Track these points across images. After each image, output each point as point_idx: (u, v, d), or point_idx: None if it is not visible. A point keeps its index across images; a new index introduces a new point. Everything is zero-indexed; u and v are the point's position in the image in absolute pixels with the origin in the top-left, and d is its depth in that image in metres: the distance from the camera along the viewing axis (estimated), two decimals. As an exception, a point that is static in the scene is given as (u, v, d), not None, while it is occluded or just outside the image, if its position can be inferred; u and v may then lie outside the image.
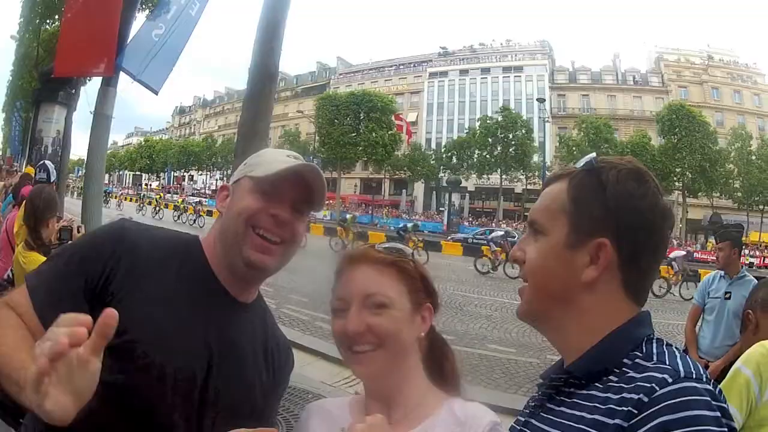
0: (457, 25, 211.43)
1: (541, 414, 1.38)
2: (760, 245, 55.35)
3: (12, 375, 1.34)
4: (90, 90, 14.59)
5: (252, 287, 1.89)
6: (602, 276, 1.32)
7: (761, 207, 63.43)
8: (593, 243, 1.32)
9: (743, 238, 7.76)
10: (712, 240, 52.06)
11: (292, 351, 2.07)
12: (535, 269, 1.39)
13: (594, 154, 1.43)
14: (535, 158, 70.62)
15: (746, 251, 42.20)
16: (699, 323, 6.73)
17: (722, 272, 6.59)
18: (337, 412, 1.72)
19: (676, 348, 1.27)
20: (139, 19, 10.56)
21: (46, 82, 15.48)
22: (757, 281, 6.27)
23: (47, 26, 21.01)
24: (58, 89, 15.53)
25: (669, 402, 1.07)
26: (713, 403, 1.07)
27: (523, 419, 1.44)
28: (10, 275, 5.56)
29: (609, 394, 1.20)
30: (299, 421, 1.78)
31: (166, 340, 1.61)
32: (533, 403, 1.45)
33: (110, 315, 1.15)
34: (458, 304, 16.75)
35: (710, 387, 1.11)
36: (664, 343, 1.29)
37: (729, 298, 6.34)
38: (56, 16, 19.23)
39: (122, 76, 8.42)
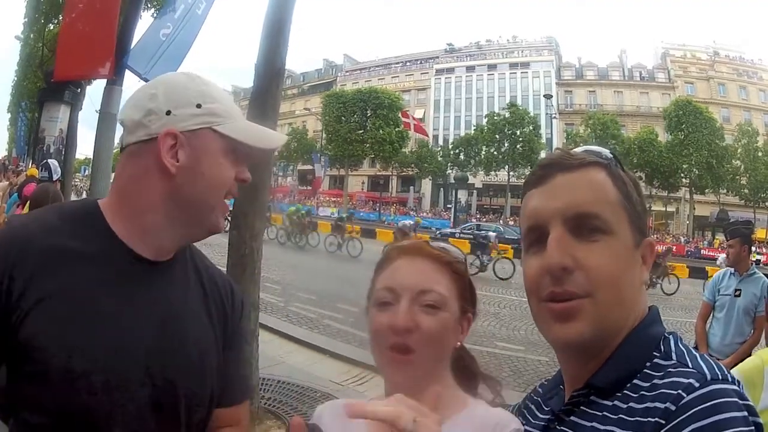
0: (463, 22, 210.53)
1: (559, 428, 1.27)
2: (767, 243, 55.08)
3: None
4: (96, 89, 14.61)
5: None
6: None
7: (768, 204, 63.23)
8: (644, 243, 1.26)
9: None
10: (719, 236, 52.01)
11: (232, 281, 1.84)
12: (612, 278, 1.18)
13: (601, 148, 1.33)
14: (543, 155, 70.17)
15: (753, 248, 41.61)
16: (709, 321, 6.69)
17: (732, 269, 6.56)
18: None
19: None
20: (147, 20, 10.59)
21: (50, 82, 15.51)
22: (767, 278, 6.26)
23: (51, 26, 21.06)
24: (64, 88, 15.58)
25: (698, 408, 1.01)
26: (740, 402, 1.02)
27: None
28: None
29: (632, 404, 1.11)
30: (310, 420, 1.69)
31: (87, 346, 1.37)
32: (543, 415, 1.36)
33: None
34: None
35: (736, 387, 1.05)
36: (678, 339, 1.22)
37: (739, 295, 6.32)
38: (60, 16, 19.27)
39: (129, 75, 8.42)
